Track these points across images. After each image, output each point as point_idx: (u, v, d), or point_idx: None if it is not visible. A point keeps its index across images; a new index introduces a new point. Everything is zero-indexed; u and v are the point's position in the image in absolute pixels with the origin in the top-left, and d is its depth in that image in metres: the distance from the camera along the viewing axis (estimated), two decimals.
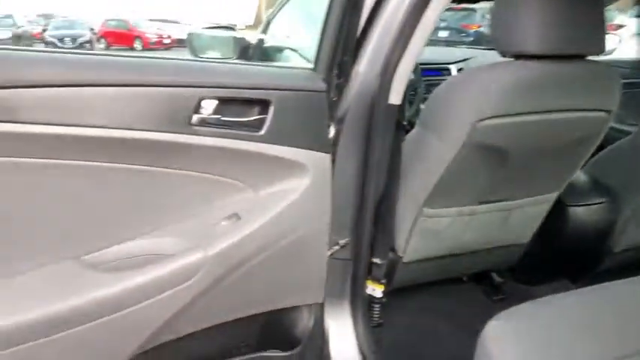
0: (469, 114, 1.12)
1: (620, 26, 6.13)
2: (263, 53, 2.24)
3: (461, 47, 3.85)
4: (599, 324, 0.97)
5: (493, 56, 2.63)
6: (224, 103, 0.96)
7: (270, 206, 1.03)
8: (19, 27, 15.85)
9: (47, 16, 18.32)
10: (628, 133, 1.66)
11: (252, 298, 1.11)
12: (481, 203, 1.38)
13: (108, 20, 17.42)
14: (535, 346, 0.86)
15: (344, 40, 1.05)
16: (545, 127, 1.20)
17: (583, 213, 1.59)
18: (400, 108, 1.17)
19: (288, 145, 1.01)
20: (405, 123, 1.24)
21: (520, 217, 1.49)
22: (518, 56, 1.13)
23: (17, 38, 15.09)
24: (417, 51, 1.09)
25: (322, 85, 1.05)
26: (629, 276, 1.78)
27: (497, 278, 1.77)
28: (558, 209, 1.55)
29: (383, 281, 1.35)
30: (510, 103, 1.12)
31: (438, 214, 1.34)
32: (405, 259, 1.42)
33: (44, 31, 17.22)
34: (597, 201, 1.60)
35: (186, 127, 0.91)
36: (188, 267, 0.95)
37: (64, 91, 0.80)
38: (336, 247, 1.21)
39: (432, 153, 1.22)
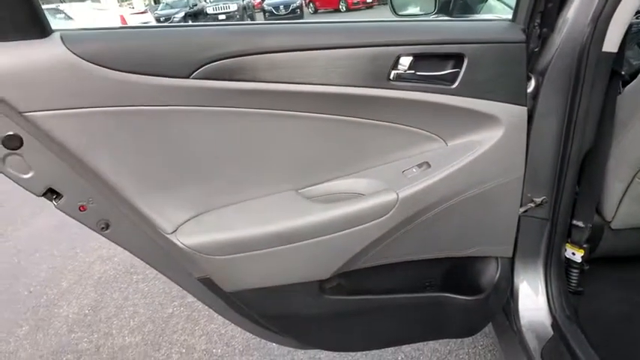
0: None
1: None
2: (464, 5, 2.17)
3: None
4: None
5: None
6: (419, 58, 1.00)
7: (460, 156, 1.05)
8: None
9: None
10: None
11: (438, 242, 1.17)
12: None
13: None
14: None
15: None
16: None
17: None
18: (617, 56, 1.05)
19: (481, 98, 1.01)
20: (623, 73, 1.10)
21: None
22: None
23: (243, 9, 17.25)
24: None
25: (521, 36, 1.00)
26: None
27: None
28: None
29: (585, 246, 1.26)
30: None
31: None
32: (615, 225, 1.29)
33: (263, 0, 19.26)
34: None
35: (385, 82, 0.99)
36: (381, 206, 1.05)
37: (288, 55, 0.96)
38: (531, 205, 1.17)
39: None
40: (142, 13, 15.04)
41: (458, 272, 1.24)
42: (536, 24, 1.01)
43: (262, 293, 1.12)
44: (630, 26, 1.04)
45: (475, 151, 1.04)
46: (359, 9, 17.99)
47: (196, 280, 1.13)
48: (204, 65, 0.91)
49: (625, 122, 1.17)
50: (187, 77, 0.91)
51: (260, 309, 1.18)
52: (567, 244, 1.26)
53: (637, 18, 1.97)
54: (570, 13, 1.02)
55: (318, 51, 0.96)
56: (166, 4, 18.23)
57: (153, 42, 0.92)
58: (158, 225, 1.02)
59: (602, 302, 1.40)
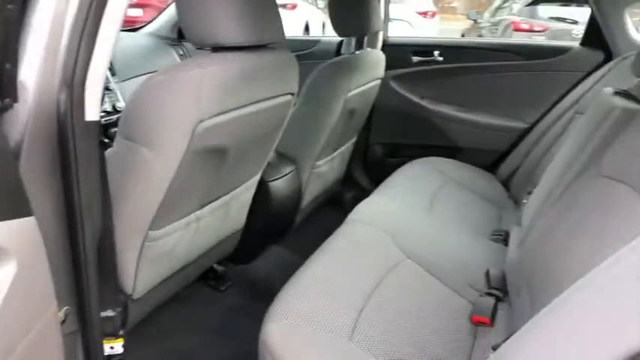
0: (188, 118, 0.98)
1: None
2: None
3: None
4: (340, 283, 1.11)
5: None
6: None
7: None
8: None
9: None
10: None
11: None
12: (203, 206, 1.27)
13: None
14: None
15: (3, 38, 0.71)
16: (254, 118, 1.17)
17: (280, 185, 1.69)
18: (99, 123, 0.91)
19: None
20: (105, 140, 0.97)
21: (237, 206, 1.46)
22: (217, 49, 1.05)
23: None
24: (111, 47, 0.84)
25: None
26: (312, 223, 2.07)
27: (219, 268, 1.72)
28: (261, 187, 1.59)
29: (121, 333, 1.09)
30: (226, 98, 1.04)
31: (166, 233, 1.16)
32: (137, 295, 1.19)
33: None
34: (287, 171, 1.73)
35: None
36: None
37: None
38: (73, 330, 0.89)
39: (149, 171, 1.02)
40: None
41: None
42: None
43: None
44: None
45: None
46: None
47: None
48: None
49: (120, 192, 1.05)
50: None
51: None
52: (104, 342, 1.06)
53: None
54: (29, 77, 0.78)
55: None
56: None
57: None
58: None
59: None
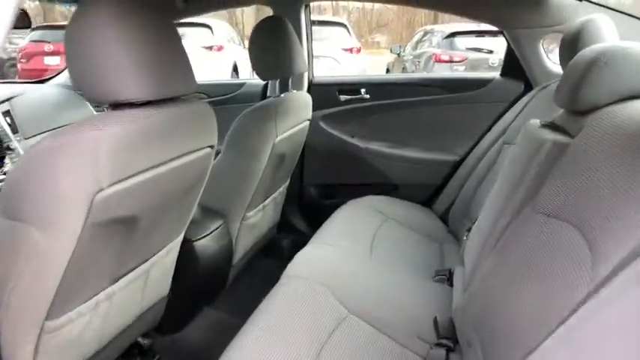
0: (82, 188, 0.83)
1: None
2: None
3: None
4: (282, 350, 1.04)
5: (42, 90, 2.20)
6: None
7: None
8: None
9: None
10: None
11: None
12: (116, 280, 1.11)
13: None
14: None
15: None
16: (168, 178, 1.05)
17: (207, 243, 1.55)
18: None
19: None
20: None
21: (158, 273, 1.30)
22: (117, 106, 0.92)
23: None
24: None
25: None
26: (247, 277, 1.93)
27: (144, 341, 1.53)
28: (186, 248, 1.45)
29: None
30: (130, 161, 0.90)
31: (68, 319, 0.99)
32: None
33: None
34: (215, 226, 1.60)
35: None
36: None
37: None
38: None
39: (40, 254, 0.86)
40: None
41: None
42: None
43: None
44: None
45: None
46: None
47: None
48: None
49: (3, 279, 0.88)
50: None
51: None
52: None
53: None
54: None
55: None
56: None
57: None
58: None
59: None
